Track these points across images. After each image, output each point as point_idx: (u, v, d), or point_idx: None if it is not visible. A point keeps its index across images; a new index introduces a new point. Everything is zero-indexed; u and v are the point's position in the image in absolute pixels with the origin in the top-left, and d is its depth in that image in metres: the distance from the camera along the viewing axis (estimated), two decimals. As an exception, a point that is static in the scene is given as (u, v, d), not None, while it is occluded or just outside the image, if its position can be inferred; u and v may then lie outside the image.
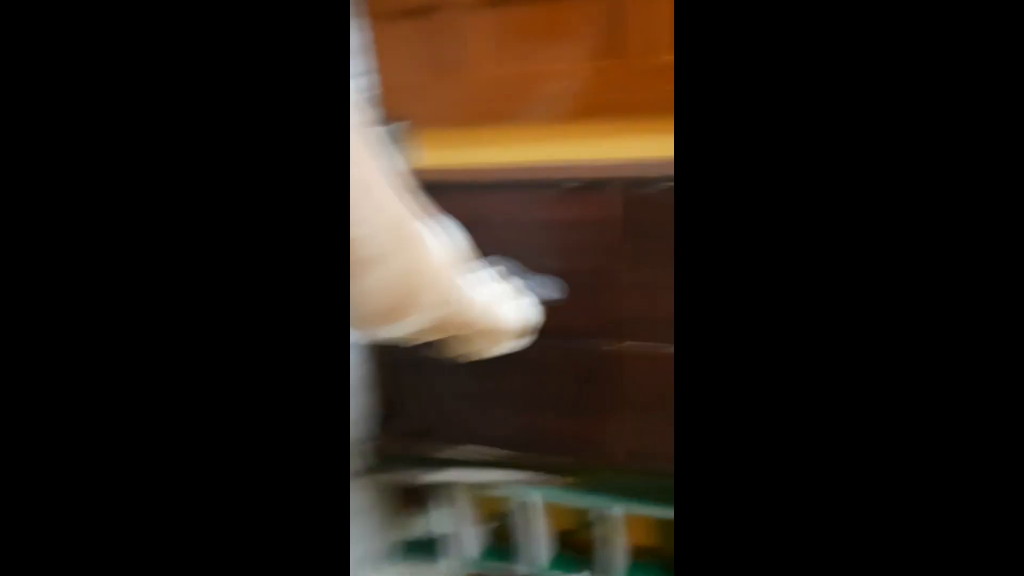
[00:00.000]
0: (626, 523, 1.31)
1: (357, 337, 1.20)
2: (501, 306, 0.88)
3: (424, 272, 0.58)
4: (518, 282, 0.96)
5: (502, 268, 1.01)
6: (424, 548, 1.51)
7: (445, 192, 1.03)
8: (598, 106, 1.16)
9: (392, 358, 1.22)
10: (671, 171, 0.94)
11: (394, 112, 1.19)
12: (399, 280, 0.53)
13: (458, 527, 1.38)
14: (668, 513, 1.20)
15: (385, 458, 1.33)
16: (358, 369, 1.26)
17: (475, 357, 0.91)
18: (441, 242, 0.66)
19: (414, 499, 1.68)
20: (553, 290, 1.01)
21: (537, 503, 1.29)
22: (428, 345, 0.83)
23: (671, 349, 1.00)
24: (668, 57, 1.08)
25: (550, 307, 1.03)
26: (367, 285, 0.47)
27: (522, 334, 0.95)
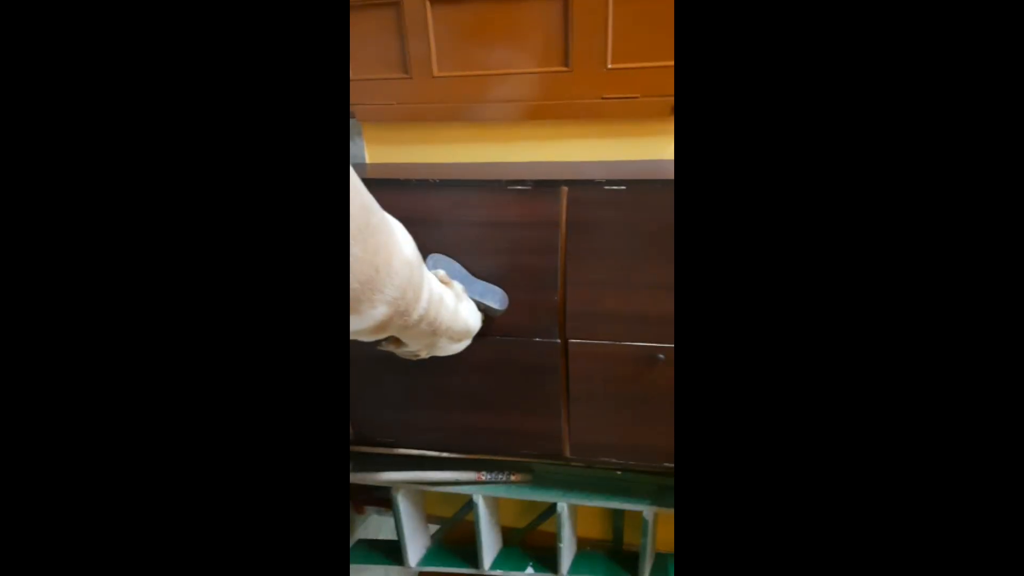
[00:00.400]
0: (573, 516, 1.34)
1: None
2: (458, 306, 0.88)
3: (386, 263, 0.56)
4: (463, 288, 0.95)
5: (450, 268, 1.01)
6: (373, 549, 1.49)
7: (391, 189, 1.03)
8: (545, 110, 1.19)
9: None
10: (613, 174, 0.98)
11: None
12: (360, 267, 0.51)
13: (407, 527, 1.37)
14: (613, 504, 1.24)
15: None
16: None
17: (426, 356, 0.91)
18: (406, 237, 0.65)
19: (362, 500, 1.65)
20: (496, 300, 1.01)
21: (485, 501, 1.30)
22: (379, 343, 0.82)
23: (612, 345, 1.04)
24: (612, 66, 1.12)
25: (493, 317, 1.03)
26: None
27: (467, 337, 0.96)
